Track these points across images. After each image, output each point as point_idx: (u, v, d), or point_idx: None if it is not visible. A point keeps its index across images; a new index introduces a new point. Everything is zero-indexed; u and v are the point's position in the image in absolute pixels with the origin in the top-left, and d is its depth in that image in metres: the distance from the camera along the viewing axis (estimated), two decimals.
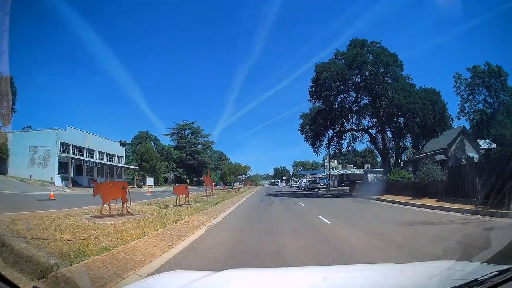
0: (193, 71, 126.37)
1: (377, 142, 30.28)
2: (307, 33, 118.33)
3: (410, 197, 18.79)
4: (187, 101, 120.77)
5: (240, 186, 59.22)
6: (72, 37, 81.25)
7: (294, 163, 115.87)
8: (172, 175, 53.07)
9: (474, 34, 66.40)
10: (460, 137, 30.65)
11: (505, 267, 1.47)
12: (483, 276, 1.42)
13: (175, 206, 13.11)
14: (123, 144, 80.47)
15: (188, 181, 74.69)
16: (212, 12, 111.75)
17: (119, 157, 43.37)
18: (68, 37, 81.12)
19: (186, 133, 70.34)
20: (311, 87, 28.20)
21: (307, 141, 35.52)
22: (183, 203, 14.20)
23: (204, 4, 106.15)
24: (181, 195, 13.97)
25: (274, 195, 26.61)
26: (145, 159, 50.07)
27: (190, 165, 64.71)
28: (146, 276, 3.59)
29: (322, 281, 1.82)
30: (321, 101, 27.81)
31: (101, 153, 39.08)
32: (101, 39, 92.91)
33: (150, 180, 48.09)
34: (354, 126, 30.00)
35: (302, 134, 36.22)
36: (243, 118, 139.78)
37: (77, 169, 35.55)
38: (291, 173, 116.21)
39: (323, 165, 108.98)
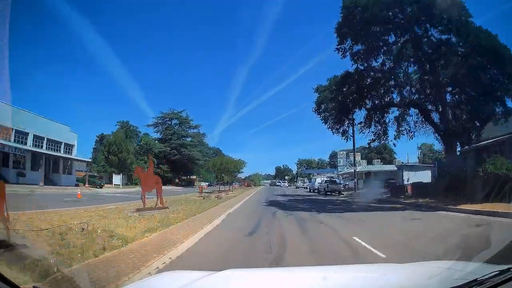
0: (193, 71, 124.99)
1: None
2: (307, 33, 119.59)
3: None
4: (187, 101, 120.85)
5: (236, 186, 48.57)
6: (72, 37, 79.98)
7: (298, 161, 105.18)
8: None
9: None
10: None
11: (505, 267, 1.42)
12: (483, 276, 1.39)
13: None
14: (104, 137, 70.60)
15: (178, 180, 64.45)
16: (212, 12, 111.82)
17: (69, 146, 32.45)
18: (68, 37, 79.95)
19: (173, 123, 59.69)
20: (339, 28, 17.42)
21: (325, 123, 24.87)
22: None
23: (204, 4, 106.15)
24: None
25: (279, 205, 15.43)
26: (113, 152, 39.58)
27: (175, 161, 53.99)
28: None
29: (322, 281, 1.78)
30: (358, 47, 17.08)
31: (38, 139, 28.33)
32: (101, 39, 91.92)
33: (117, 178, 37.61)
34: (406, 95, 19.06)
35: (318, 114, 25.53)
36: (243, 119, 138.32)
37: (3, 159, 25.18)
38: (294, 172, 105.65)
39: (330, 163, 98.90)
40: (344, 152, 50.85)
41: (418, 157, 63.07)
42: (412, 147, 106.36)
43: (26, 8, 47.02)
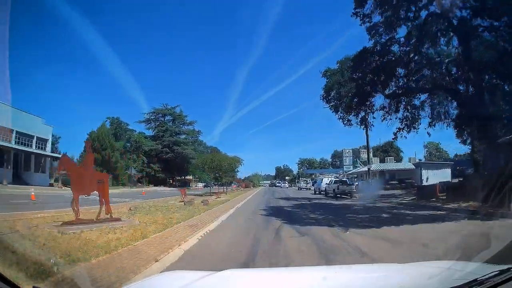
0: (193, 71, 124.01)
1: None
2: (307, 33, 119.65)
3: None
4: (187, 101, 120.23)
5: (234, 188, 44.77)
6: (72, 37, 79.96)
7: (299, 160, 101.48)
8: (133, 171, 38.53)
9: None
10: None
11: (505, 267, 1.40)
12: (483, 276, 1.36)
13: None
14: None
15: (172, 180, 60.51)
16: (212, 12, 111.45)
17: (42, 140, 28.62)
18: (68, 37, 78.97)
19: (166, 119, 55.92)
20: None
21: (336, 112, 21.25)
22: None
23: (204, 4, 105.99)
24: None
25: (283, 215, 11.17)
26: (97, 149, 35.78)
27: (168, 159, 50.16)
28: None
29: (322, 281, 1.73)
30: (377, 18, 13.47)
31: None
32: (101, 39, 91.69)
33: None
34: (436, 76, 15.33)
35: (327, 102, 21.94)
36: (243, 118, 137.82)
37: None
38: (295, 172, 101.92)
39: (332, 163, 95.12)
40: (350, 150, 47.08)
41: (425, 156, 59.55)
42: (418, 145, 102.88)
43: (26, 8, 46.86)
